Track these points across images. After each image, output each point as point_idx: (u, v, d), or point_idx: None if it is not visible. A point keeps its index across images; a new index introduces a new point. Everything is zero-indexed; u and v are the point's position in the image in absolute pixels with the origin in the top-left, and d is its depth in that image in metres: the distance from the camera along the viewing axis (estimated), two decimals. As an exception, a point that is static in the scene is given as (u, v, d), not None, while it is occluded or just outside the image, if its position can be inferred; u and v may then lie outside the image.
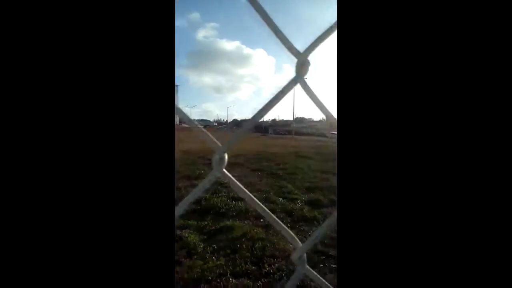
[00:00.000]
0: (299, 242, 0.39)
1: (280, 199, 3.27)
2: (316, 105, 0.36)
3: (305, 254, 0.37)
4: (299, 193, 3.57)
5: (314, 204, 3.07)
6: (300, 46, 0.34)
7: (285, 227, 0.39)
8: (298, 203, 3.12)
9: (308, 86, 0.36)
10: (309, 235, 2.29)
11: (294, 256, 0.38)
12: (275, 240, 2.08)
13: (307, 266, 0.37)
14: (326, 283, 0.39)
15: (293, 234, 0.39)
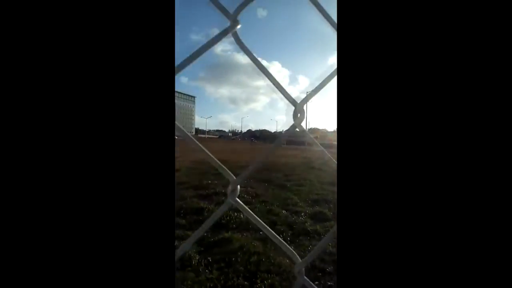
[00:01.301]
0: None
1: (284, 211, 3.21)
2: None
3: (238, 188, 0.40)
4: (304, 206, 3.49)
5: (317, 218, 2.99)
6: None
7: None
8: (301, 216, 3.05)
9: (241, 41, 0.40)
10: (309, 249, 2.22)
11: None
12: (271, 255, 2.03)
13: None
14: (258, 218, 0.43)
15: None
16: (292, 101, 0.41)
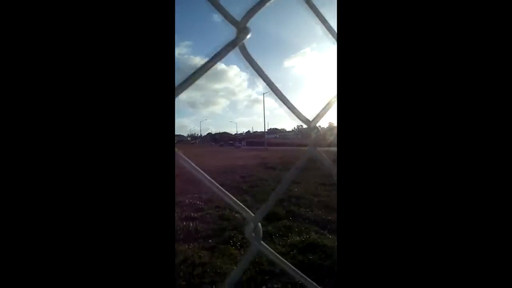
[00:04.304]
0: (251, 213, 0.37)
1: (237, 214, 3.13)
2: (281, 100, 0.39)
3: (260, 227, 0.36)
4: (258, 207, 3.46)
5: (270, 218, 2.96)
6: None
7: (235, 199, 0.36)
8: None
9: (248, 54, 0.37)
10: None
11: (247, 230, 0.36)
12: (218, 264, 1.92)
13: (262, 242, 0.36)
14: (284, 260, 0.38)
15: (243, 206, 0.36)
16: (305, 120, 0.39)
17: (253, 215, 0.36)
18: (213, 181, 0.34)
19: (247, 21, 0.36)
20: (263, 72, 0.39)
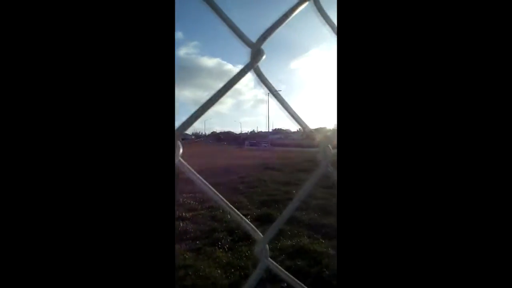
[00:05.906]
0: (260, 234, 0.37)
1: (229, 216, 3.06)
2: (290, 113, 0.38)
3: (267, 247, 0.37)
4: (252, 208, 3.39)
5: (263, 220, 2.89)
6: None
7: (245, 219, 0.37)
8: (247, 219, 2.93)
9: (262, 74, 0.37)
10: (246, 254, 2.09)
11: (257, 250, 0.36)
12: (202, 267, 1.86)
13: (270, 259, 0.37)
14: (290, 275, 0.38)
15: (253, 226, 0.37)
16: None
17: (262, 236, 0.36)
18: (216, 192, 0.34)
19: (262, 43, 0.35)
20: (276, 91, 0.39)
